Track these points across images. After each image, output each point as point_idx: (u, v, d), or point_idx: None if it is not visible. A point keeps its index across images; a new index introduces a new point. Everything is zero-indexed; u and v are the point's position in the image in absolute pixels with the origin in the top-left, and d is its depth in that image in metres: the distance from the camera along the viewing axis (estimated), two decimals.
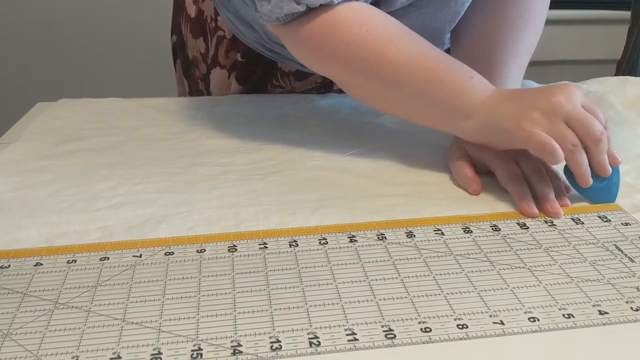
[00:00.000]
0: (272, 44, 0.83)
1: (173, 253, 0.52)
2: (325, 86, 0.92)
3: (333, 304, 0.46)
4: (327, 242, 0.53)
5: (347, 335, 0.42)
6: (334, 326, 0.43)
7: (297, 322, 0.44)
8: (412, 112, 0.65)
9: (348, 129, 0.79)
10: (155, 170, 0.67)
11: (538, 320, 0.43)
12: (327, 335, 0.42)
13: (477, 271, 0.49)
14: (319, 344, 0.41)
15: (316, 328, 0.43)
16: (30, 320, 0.44)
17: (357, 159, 0.70)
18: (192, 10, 0.93)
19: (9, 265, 0.51)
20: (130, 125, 0.80)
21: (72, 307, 0.46)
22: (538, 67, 2.07)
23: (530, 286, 0.47)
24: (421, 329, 0.43)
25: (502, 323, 0.43)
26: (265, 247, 0.53)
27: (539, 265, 0.50)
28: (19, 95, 1.47)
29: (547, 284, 0.47)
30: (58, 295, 0.47)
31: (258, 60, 0.90)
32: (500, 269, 0.49)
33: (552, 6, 0.81)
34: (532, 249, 0.52)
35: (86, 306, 0.46)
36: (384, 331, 0.43)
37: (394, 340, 0.42)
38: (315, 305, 0.45)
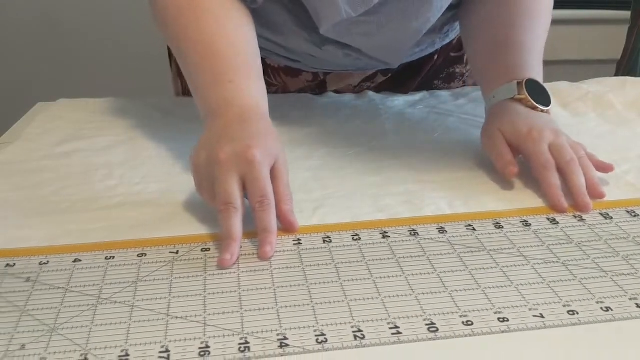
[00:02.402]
0: (258, 39, 0.83)
1: (210, 249, 0.53)
2: (320, 86, 0.92)
3: (373, 298, 0.46)
4: (361, 238, 0.54)
5: (390, 329, 0.43)
6: (377, 320, 0.44)
7: (340, 316, 0.44)
8: (192, 92, 0.66)
9: (348, 129, 0.79)
10: (155, 170, 0.67)
11: (577, 313, 0.44)
12: (371, 328, 0.43)
13: (511, 266, 0.50)
14: (364, 337, 0.42)
15: (359, 322, 0.44)
16: (75, 315, 0.45)
17: (358, 159, 0.70)
18: None
19: (48, 262, 0.51)
20: (129, 125, 0.80)
21: (116, 302, 0.46)
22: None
23: (566, 280, 0.48)
24: (462, 323, 0.43)
25: (542, 316, 0.44)
26: (300, 244, 0.53)
27: (572, 260, 0.50)
28: (19, 95, 1.47)
29: (582, 278, 0.48)
30: (100, 290, 0.48)
31: None
32: (534, 264, 0.50)
33: (553, 6, 0.81)
34: (564, 243, 0.53)
35: (129, 301, 0.46)
36: (426, 324, 0.43)
37: (436, 334, 0.42)
38: (356, 300, 0.46)
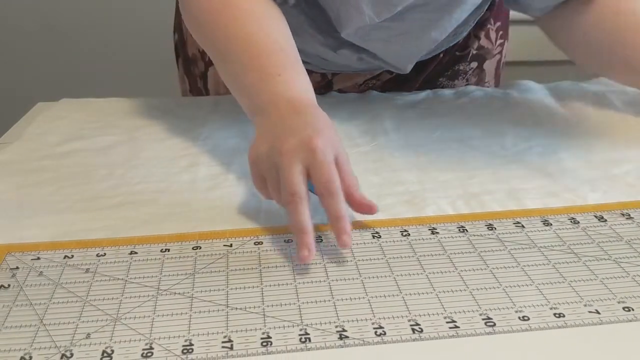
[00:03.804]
0: None
1: (262, 243, 0.53)
2: (325, 86, 0.92)
3: (427, 293, 0.47)
4: (409, 234, 0.55)
5: (447, 322, 0.44)
6: (433, 314, 0.44)
7: (397, 309, 0.45)
8: (233, 93, 0.66)
9: (350, 128, 0.78)
10: (155, 170, 0.67)
11: (632, 310, 0.44)
12: (428, 322, 0.44)
13: (563, 263, 0.50)
14: (422, 330, 0.43)
15: (415, 316, 0.44)
16: (137, 306, 0.46)
17: (358, 158, 0.70)
18: None
19: (105, 254, 0.52)
20: (130, 125, 0.80)
21: (175, 293, 0.47)
22: (539, 67, 2.05)
23: (619, 277, 0.48)
24: (519, 317, 0.44)
25: (597, 312, 0.44)
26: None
27: (623, 258, 0.51)
28: (19, 95, 1.46)
29: (635, 275, 0.48)
30: (158, 282, 0.49)
31: None
32: (586, 261, 0.50)
33: None
34: (613, 241, 0.53)
35: (188, 292, 0.47)
36: (482, 319, 0.44)
37: (494, 328, 0.43)
38: (410, 294, 0.47)
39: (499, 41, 0.96)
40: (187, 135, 0.77)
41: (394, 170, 0.67)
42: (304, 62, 0.84)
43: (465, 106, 0.86)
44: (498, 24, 0.95)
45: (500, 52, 0.98)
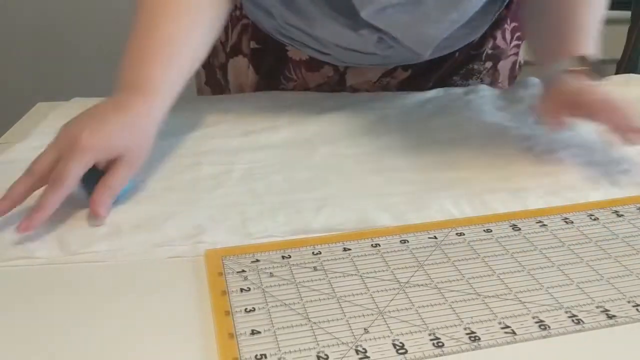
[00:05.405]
0: (289, 29, 0.84)
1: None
2: (339, 83, 0.93)
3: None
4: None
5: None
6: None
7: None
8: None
9: (354, 127, 0.78)
10: (158, 168, 0.68)
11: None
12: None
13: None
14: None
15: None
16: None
17: (362, 158, 0.71)
18: None
19: (320, 252, 0.53)
20: None
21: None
22: (539, 67, 2.10)
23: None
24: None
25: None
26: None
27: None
28: (19, 95, 1.44)
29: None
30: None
31: (270, 48, 0.90)
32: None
33: None
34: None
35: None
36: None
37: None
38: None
39: (514, 42, 0.96)
40: (190, 134, 0.77)
41: (397, 169, 0.68)
42: (322, 52, 0.83)
43: (471, 105, 0.85)
44: (514, 24, 0.95)
45: (516, 54, 0.97)
